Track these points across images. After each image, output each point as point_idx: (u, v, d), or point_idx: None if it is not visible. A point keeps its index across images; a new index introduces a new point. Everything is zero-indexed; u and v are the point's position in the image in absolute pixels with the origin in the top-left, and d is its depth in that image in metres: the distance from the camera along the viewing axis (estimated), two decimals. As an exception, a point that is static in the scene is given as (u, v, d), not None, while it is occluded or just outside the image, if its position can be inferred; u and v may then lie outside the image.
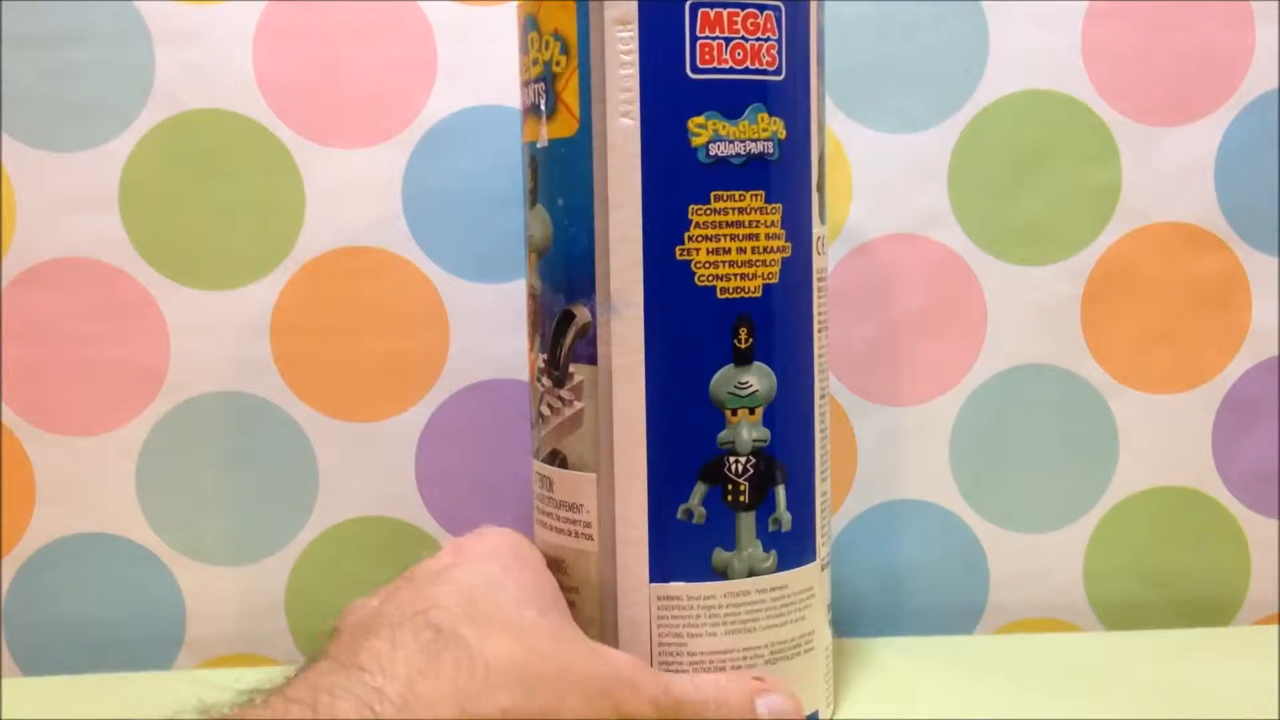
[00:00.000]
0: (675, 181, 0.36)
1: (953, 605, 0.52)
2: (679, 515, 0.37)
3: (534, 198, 0.39)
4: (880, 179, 0.50)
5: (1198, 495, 0.52)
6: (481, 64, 0.49)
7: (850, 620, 0.51)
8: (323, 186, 0.49)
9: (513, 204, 0.50)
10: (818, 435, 0.39)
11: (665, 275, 0.36)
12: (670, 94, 0.36)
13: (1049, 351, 0.51)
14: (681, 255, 0.36)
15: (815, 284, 0.38)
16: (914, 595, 0.52)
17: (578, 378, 0.38)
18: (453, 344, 0.50)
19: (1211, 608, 0.52)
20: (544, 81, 0.38)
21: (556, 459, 0.39)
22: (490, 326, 0.50)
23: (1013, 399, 0.51)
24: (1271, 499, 0.52)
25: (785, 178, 0.37)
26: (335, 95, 0.49)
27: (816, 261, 0.38)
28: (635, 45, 0.36)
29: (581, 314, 0.37)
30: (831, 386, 0.51)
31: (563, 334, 0.38)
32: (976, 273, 0.51)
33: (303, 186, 0.49)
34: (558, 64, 0.37)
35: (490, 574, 0.34)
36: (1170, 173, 0.51)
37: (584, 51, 0.36)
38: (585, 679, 0.32)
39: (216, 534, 0.50)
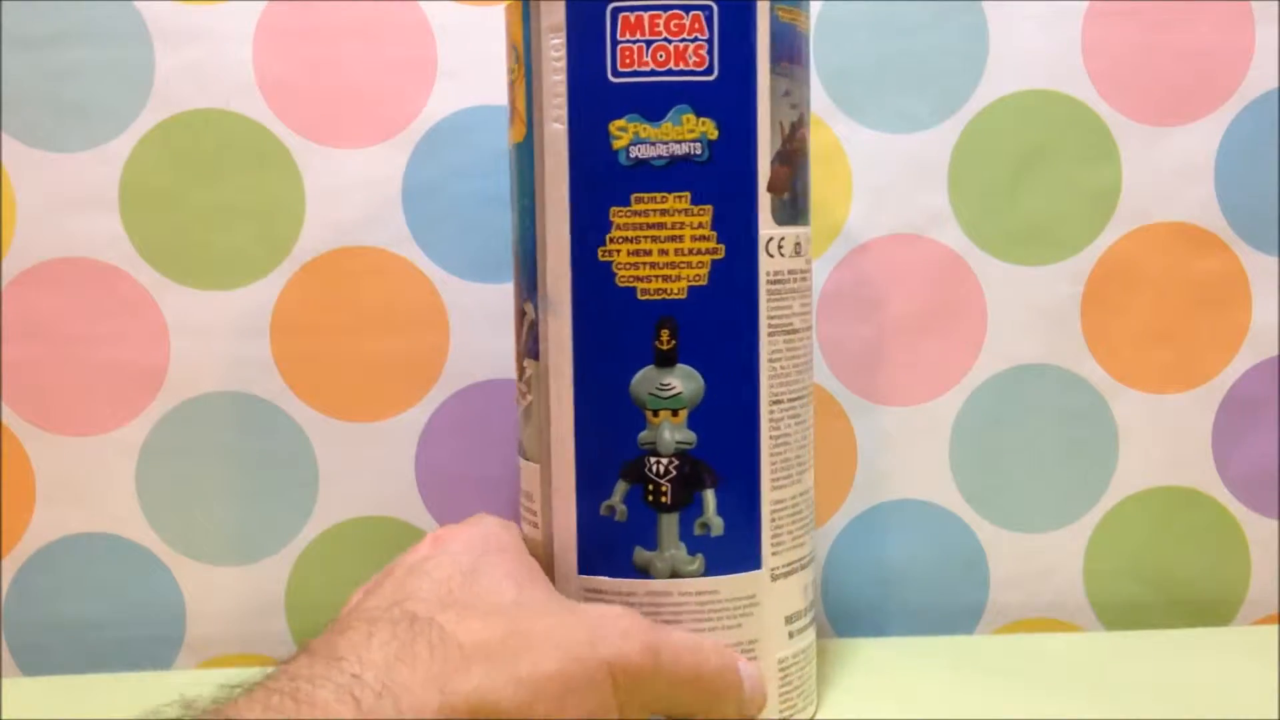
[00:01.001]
0: (597, 184, 0.37)
1: (953, 605, 0.52)
2: (602, 511, 0.38)
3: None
4: (880, 179, 0.50)
5: (1198, 495, 0.52)
6: (481, 64, 0.49)
7: (849, 620, 0.51)
8: (323, 186, 0.49)
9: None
10: (765, 440, 0.38)
11: (588, 276, 0.37)
12: (593, 98, 0.37)
13: (1049, 351, 0.51)
14: (604, 257, 0.37)
15: (764, 286, 0.38)
16: (914, 595, 0.52)
17: (528, 372, 0.39)
18: (453, 344, 0.50)
19: (1211, 608, 0.52)
20: (510, 89, 0.40)
21: (520, 449, 0.41)
22: (490, 326, 0.50)
23: (1013, 399, 0.51)
24: (1271, 499, 0.52)
25: (717, 178, 0.37)
26: (335, 95, 0.49)
27: (767, 263, 0.38)
28: (564, 52, 0.37)
29: (529, 311, 0.39)
30: (831, 386, 0.51)
31: (520, 330, 0.40)
32: (976, 273, 0.51)
33: (303, 186, 0.49)
34: (513, 72, 0.39)
35: (466, 563, 0.34)
36: (1170, 173, 0.51)
37: (528, 59, 0.38)
38: (564, 639, 0.32)
39: (216, 534, 0.50)
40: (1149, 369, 0.52)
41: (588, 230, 0.37)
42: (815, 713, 0.42)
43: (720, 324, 0.37)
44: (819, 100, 0.50)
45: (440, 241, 0.50)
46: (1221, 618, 0.53)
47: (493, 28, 0.49)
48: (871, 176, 0.50)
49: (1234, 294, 0.52)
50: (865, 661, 0.47)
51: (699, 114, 0.37)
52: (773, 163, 0.38)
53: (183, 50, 0.48)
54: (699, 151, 0.37)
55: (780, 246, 0.38)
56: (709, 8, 0.37)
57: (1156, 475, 0.52)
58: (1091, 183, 0.51)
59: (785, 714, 0.40)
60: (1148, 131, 0.51)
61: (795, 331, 0.39)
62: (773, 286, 0.38)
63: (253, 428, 0.50)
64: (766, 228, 0.38)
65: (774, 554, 0.39)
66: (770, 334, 0.38)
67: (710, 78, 0.37)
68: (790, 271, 0.39)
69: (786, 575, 0.39)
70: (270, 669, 0.30)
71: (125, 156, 0.49)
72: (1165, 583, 0.52)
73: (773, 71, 0.38)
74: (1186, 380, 0.52)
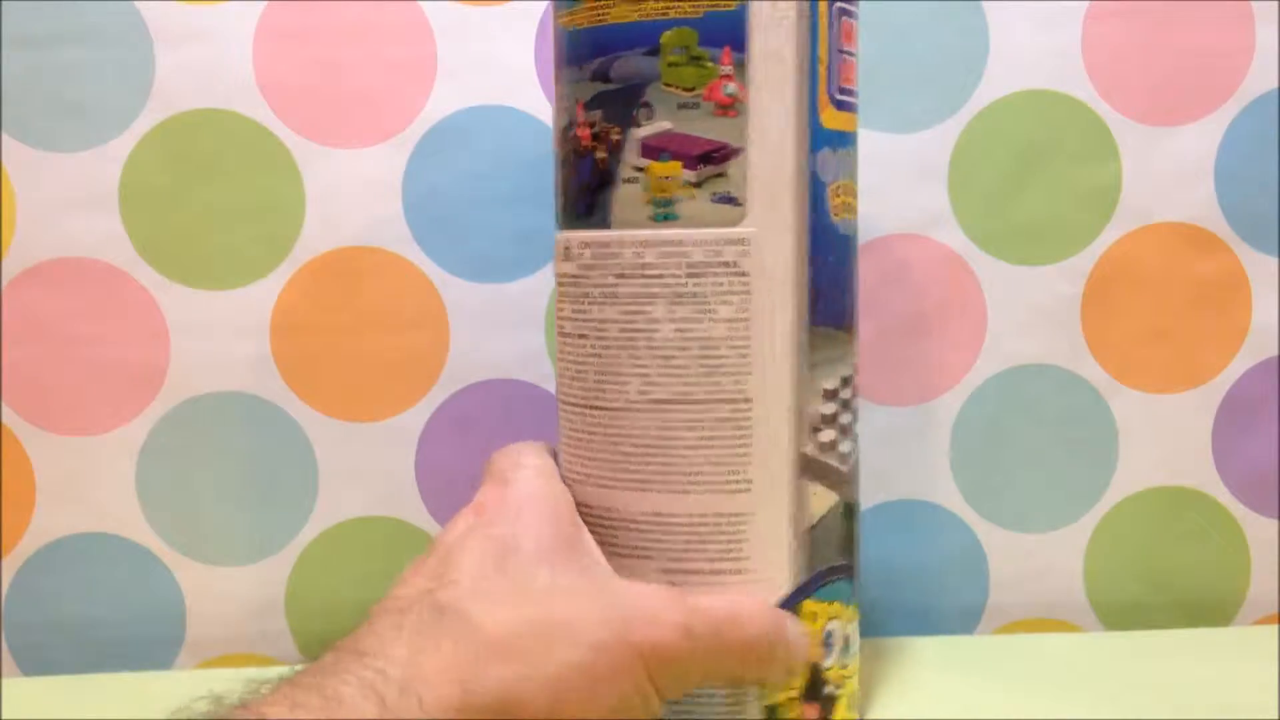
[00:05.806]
0: None
1: (953, 605, 0.52)
2: None
3: None
4: (880, 179, 0.50)
5: (1198, 495, 0.52)
6: (481, 64, 0.49)
7: (850, 620, 0.51)
8: (323, 186, 0.49)
9: (513, 204, 0.50)
10: (561, 436, 0.39)
11: None
12: None
13: (1049, 351, 0.51)
14: None
15: (558, 289, 0.38)
16: (914, 595, 0.52)
17: None
18: (453, 344, 0.50)
19: (1211, 608, 0.52)
20: None
21: None
22: (490, 326, 0.50)
23: (1013, 399, 0.51)
24: (1271, 499, 0.52)
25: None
26: (335, 95, 0.49)
27: (560, 266, 0.38)
28: None
29: None
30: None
31: None
32: (976, 273, 0.51)
33: (303, 186, 0.49)
34: None
35: (506, 536, 0.33)
36: (1170, 173, 0.51)
37: None
38: (593, 629, 0.31)
39: (216, 534, 0.50)
40: (1149, 369, 0.52)
41: None
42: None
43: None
44: (819, 100, 0.50)
45: (440, 241, 0.50)
46: (1221, 618, 0.53)
47: (493, 28, 0.49)
48: (871, 176, 0.50)
49: (1234, 294, 0.52)
50: (865, 662, 0.47)
51: None
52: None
53: (183, 50, 0.48)
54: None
55: (565, 250, 0.38)
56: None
57: (1156, 475, 0.52)
58: (1091, 182, 0.51)
59: None
60: (1148, 131, 0.51)
61: (565, 336, 0.38)
62: (562, 289, 0.38)
63: (252, 428, 0.50)
64: (557, 232, 0.38)
65: None
66: (557, 334, 0.39)
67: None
68: (563, 275, 0.38)
69: None
70: (298, 667, 0.30)
71: (125, 156, 0.49)
72: (1165, 583, 0.52)
73: (555, 79, 0.38)
74: (1186, 380, 0.52)
